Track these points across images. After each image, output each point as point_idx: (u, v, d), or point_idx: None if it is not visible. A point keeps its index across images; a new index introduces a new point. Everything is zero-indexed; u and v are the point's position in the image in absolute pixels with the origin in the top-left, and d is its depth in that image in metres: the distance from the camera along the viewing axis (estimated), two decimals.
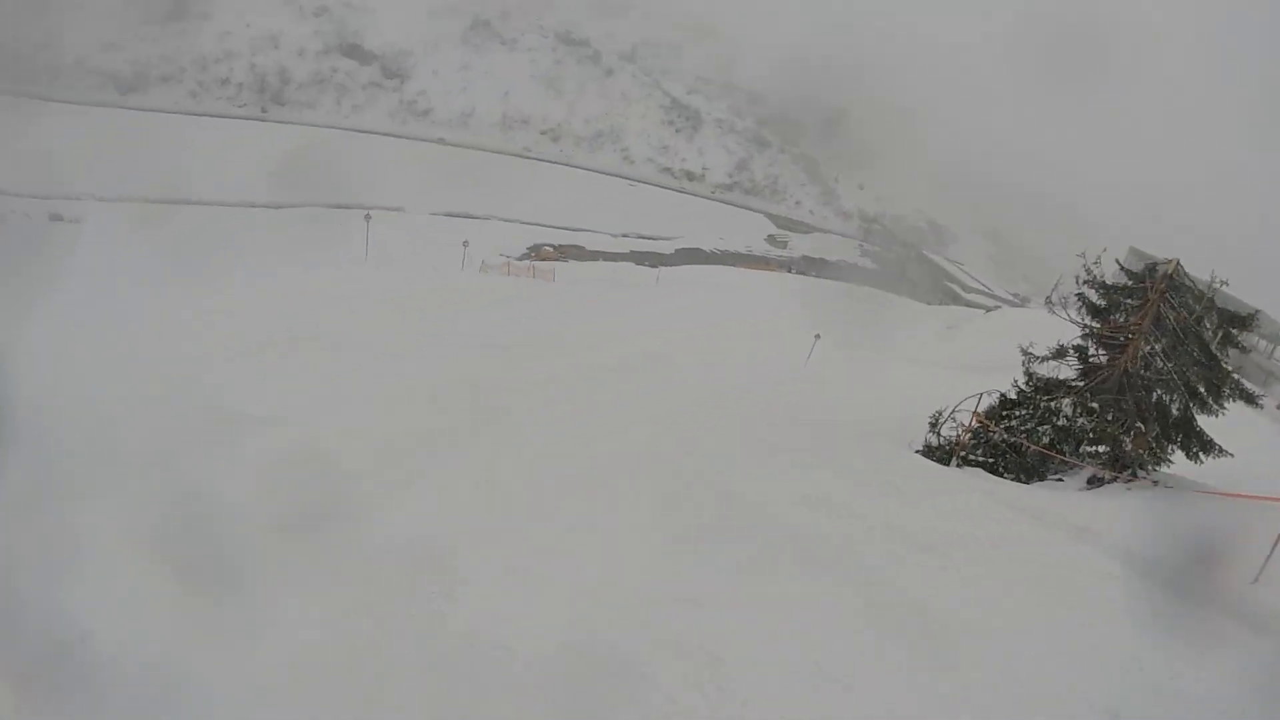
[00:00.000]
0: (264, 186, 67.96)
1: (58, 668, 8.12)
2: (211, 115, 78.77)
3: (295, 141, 74.91)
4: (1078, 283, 18.96)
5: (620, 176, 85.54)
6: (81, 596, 8.86)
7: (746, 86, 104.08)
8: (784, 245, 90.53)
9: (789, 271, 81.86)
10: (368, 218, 40.51)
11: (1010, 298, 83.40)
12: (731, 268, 73.92)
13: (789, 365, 32.44)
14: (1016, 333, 52.49)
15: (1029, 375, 19.99)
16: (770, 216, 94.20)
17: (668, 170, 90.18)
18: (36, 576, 9.10)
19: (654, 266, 70.26)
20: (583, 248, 71.11)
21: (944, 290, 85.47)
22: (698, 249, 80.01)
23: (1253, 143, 73.72)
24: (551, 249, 69.18)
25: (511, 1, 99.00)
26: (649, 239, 78.19)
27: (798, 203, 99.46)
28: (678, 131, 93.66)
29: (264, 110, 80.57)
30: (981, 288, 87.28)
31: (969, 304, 77.44)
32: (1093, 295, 18.79)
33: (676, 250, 78.11)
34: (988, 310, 66.06)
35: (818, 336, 32.89)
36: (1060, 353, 19.72)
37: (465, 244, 43.53)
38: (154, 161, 67.61)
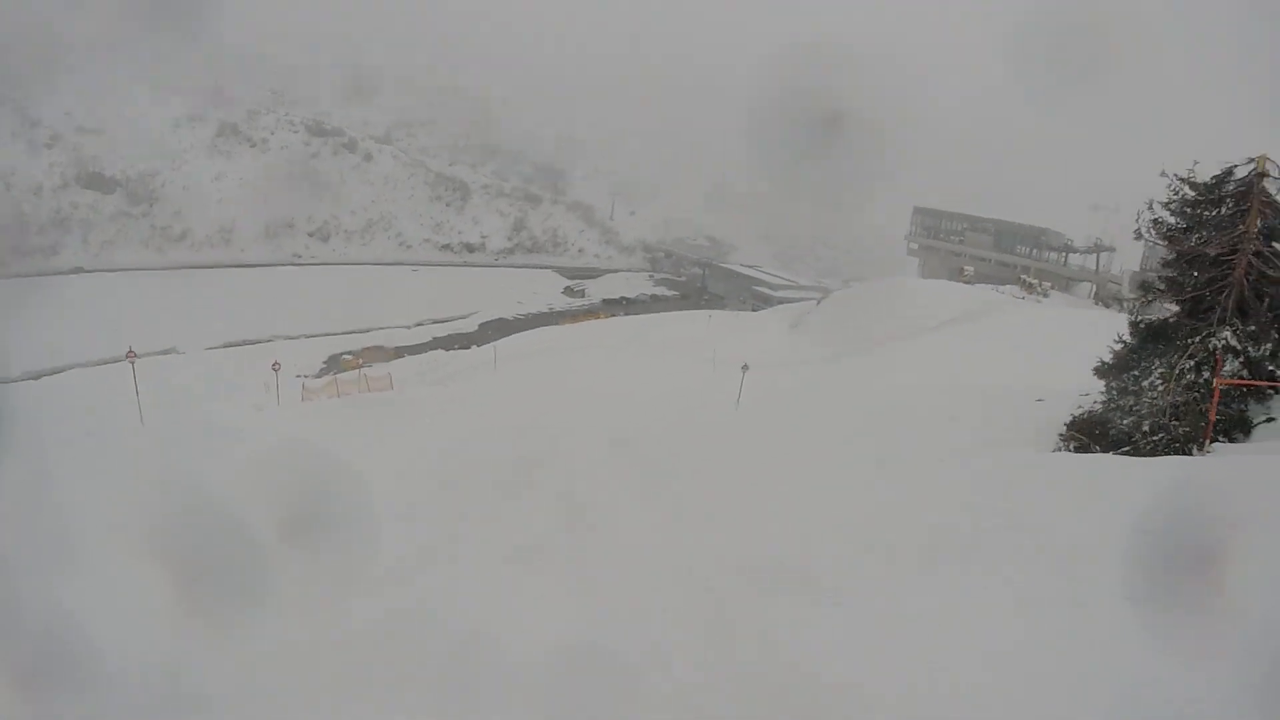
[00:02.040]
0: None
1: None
2: None
3: (37, 295, 69.55)
4: (1150, 209, 16.80)
5: (401, 264, 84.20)
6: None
7: (507, 147, 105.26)
8: (581, 294, 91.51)
9: (610, 315, 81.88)
10: (131, 360, 34.14)
11: (817, 285, 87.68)
12: (554, 326, 73.29)
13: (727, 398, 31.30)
14: (884, 310, 56.14)
15: (1136, 324, 17.84)
16: (558, 270, 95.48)
17: (447, 247, 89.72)
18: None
19: (465, 348, 68.10)
20: (382, 347, 69.13)
21: (754, 294, 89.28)
22: (500, 319, 78.95)
23: None
24: (351, 356, 66.71)
25: (257, 99, 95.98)
26: (444, 321, 77.01)
27: (580, 250, 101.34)
28: (448, 205, 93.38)
29: (1, 263, 74.49)
30: (787, 283, 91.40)
31: (784, 300, 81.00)
32: (1169, 217, 16.97)
33: (480, 325, 76.46)
34: (819, 300, 68.92)
35: (745, 367, 32.05)
36: (1147, 287, 18.03)
37: (276, 367, 39.31)
38: None
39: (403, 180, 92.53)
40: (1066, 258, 75.86)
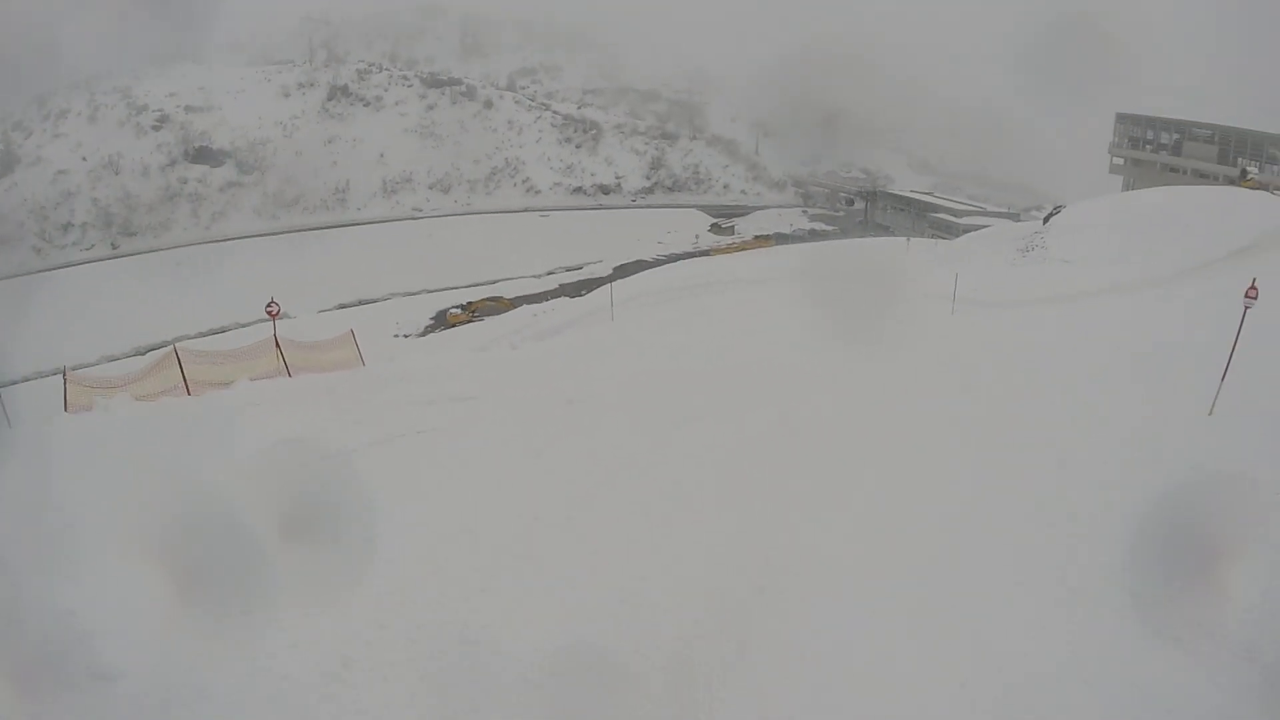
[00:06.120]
0: (124, 333, 57.85)
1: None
2: (61, 267, 68.84)
3: (153, 270, 65.46)
4: None
5: (529, 210, 76.16)
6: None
7: (639, 87, 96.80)
8: (730, 231, 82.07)
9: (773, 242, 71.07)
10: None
11: (1005, 211, 73.84)
12: (695, 259, 63.11)
13: None
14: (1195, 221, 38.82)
15: None
16: (702, 209, 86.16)
17: (579, 190, 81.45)
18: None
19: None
20: (501, 297, 61.51)
21: (932, 223, 75.07)
22: (639, 261, 69.72)
23: None
24: (459, 310, 59.52)
25: (369, 59, 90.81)
26: (577, 268, 68.92)
27: (725, 187, 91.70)
28: (578, 147, 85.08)
29: (114, 246, 70.68)
30: (972, 208, 77.61)
31: (970, 228, 65.76)
32: None
33: (615, 270, 67.88)
34: (1048, 216, 50.88)
35: None
36: None
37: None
38: None
39: (528, 125, 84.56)
40: None
